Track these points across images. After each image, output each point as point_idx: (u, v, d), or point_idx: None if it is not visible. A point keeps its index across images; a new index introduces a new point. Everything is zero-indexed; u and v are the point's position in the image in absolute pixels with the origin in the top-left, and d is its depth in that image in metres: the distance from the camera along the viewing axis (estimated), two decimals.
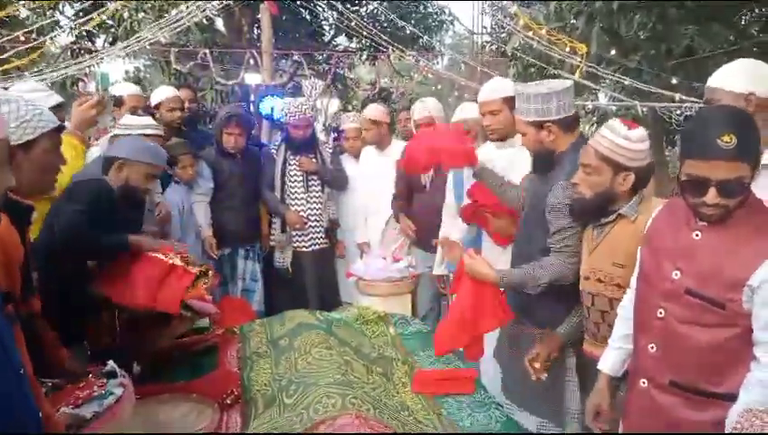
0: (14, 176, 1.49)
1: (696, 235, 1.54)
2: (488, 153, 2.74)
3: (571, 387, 2.16)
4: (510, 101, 2.60)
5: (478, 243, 2.87)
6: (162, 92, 3.64)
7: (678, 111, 5.56)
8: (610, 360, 1.84)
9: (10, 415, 1.04)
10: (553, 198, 2.05)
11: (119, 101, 3.40)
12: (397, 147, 3.83)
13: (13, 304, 1.44)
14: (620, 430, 1.80)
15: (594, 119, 10.97)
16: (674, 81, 6.42)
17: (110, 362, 1.82)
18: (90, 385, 1.66)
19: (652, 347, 1.62)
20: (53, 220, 2.14)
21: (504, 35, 10.45)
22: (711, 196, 1.45)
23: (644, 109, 6.01)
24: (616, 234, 1.90)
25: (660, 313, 1.59)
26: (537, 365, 2.07)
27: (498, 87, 2.67)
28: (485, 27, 11.79)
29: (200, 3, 6.45)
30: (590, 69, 6.34)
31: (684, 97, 5.38)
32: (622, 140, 1.81)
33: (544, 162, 2.20)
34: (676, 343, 1.56)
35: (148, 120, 2.90)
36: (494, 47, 11.41)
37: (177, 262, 2.32)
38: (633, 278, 1.78)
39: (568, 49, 6.39)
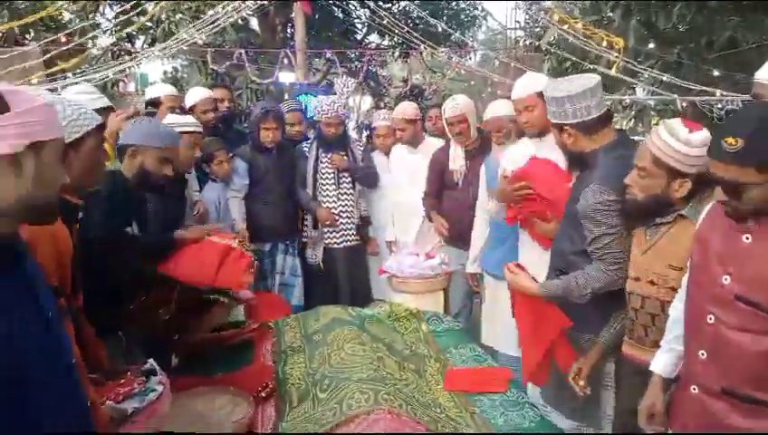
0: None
1: (747, 238, 1.46)
2: (525, 149, 2.71)
3: (610, 392, 2.10)
4: (542, 96, 2.57)
5: (512, 239, 2.84)
6: (196, 94, 3.71)
7: (720, 106, 5.38)
8: (662, 361, 1.76)
9: (63, 403, 1.09)
10: (585, 202, 1.97)
11: (156, 102, 3.48)
12: (428, 144, 3.82)
13: (65, 298, 1.51)
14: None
15: (632, 114, 10.72)
16: (716, 73, 6.21)
17: (150, 361, 1.87)
18: (130, 382, 1.72)
19: (702, 353, 1.55)
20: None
21: (538, 30, 10.30)
22: (719, 193, 1.42)
23: (683, 104, 5.83)
24: (674, 235, 1.79)
25: (710, 318, 1.52)
26: (582, 383, 2.01)
27: (531, 82, 2.63)
28: (519, 22, 11.63)
29: (236, 3, 6.56)
30: (628, 64, 6.18)
31: (724, 92, 5.19)
32: (682, 145, 1.69)
33: (574, 162, 2.16)
34: (726, 350, 1.49)
35: (189, 118, 2.95)
36: (527, 42, 11.26)
37: (235, 244, 2.43)
38: (684, 279, 1.70)
39: (605, 43, 6.24)
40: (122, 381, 1.79)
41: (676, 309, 1.73)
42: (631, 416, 1.82)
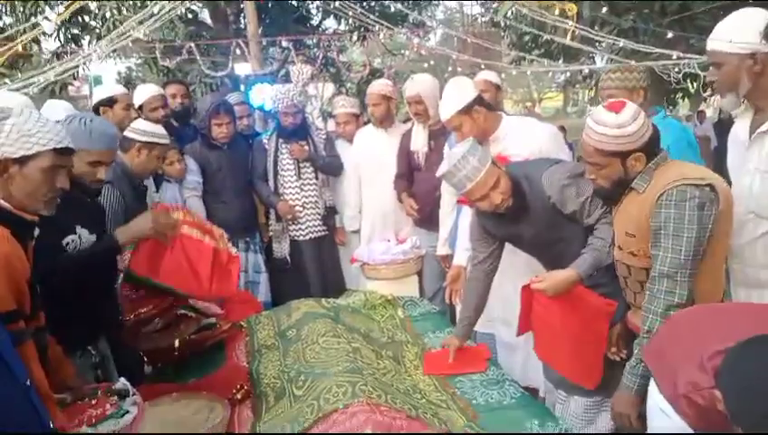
0: (6, 189, 1.48)
1: None
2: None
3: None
4: (467, 111, 2.53)
5: None
6: (144, 92, 3.58)
7: (677, 69, 5.44)
8: None
9: (20, 426, 1.03)
10: (553, 187, 2.06)
11: (111, 101, 3.32)
12: (398, 127, 3.76)
13: (24, 320, 1.41)
14: None
15: (592, 83, 10.82)
16: (670, 35, 6.28)
17: (122, 380, 1.80)
18: (102, 403, 1.65)
19: None
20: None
21: (495, 6, 10.29)
22: None
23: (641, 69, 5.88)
24: (626, 205, 1.89)
25: None
26: (623, 353, 2.02)
27: (448, 104, 2.56)
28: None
29: None
30: (584, 32, 6.20)
31: (682, 54, 5.26)
32: (616, 129, 1.76)
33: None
34: None
35: (159, 129, 2.79)
36: (485, 19, 11.24)
37: (221, 246, 2.43)
38: None
39: (557, 12, 6.24)
40: (94, 402, 1.72)
41: None
42: None
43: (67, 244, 2.05)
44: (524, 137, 2.53)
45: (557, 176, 2.06)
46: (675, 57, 5.40)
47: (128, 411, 1.61)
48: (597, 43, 6.71)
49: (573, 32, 5.95)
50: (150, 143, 2.67)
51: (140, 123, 2.77)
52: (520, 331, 2.28)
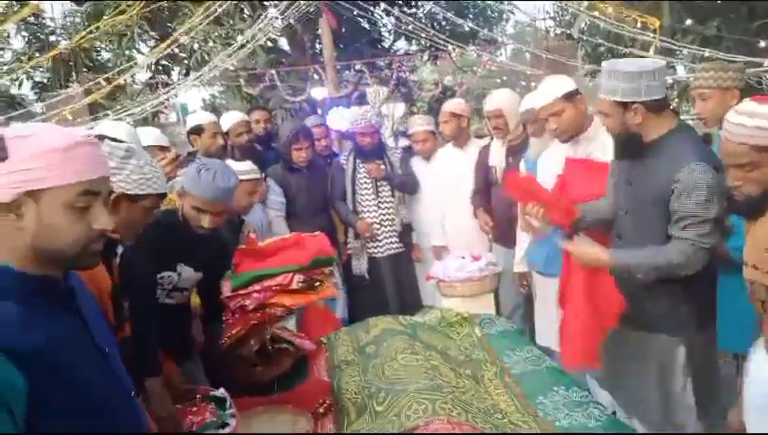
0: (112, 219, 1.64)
1: None
2: (564, 150, 2.64)
3: (684, 384, 2.01)
4: (570, 98, 2.50)
5: (559, 236, 2.76)
6: (229, 119, 3.80)
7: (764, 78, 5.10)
8: None
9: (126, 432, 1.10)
10: (687, 178, 1.85)
11: (198, 130, 3.55)
12: (475, 143, 3.79)
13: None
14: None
15: (674, 94, 10.33)
16: (762, 44, 5.89)
17: (221, 390, 1.90)
18: (202, 411, 1.75)
19: None
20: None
21: (568, 18, 10.09)
22: None
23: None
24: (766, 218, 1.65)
25: None
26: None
27: (555, 86, 2.54)
28: (548, 12, 11.42)
29: (262, 26, 6.68)
30: (665, 44, 5.93)
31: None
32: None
33: (628, 147, 2.03)
34: None
35: (247, 165, 2.91)
36: (558, 32, 11.03)
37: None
38: None
39: (639, 25, 6.00)
40: (194, 408, 1.82)
41: None
42: None
43: (163, 277, 2.18)
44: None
45: (703, 175, 1.84)
46: (766, 64, 5.06)
47: (227, 423, 1.69)
48: (678, 52, 6.41)
49: (654, 44, 5.71)
50: (244, 180, 2.72)
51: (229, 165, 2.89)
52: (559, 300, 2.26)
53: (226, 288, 2.28)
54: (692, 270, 1.89)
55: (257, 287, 2.24)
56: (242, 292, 2.25)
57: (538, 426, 1.97)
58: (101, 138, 2.47)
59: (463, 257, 3.51)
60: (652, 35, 5.65)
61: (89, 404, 0.99)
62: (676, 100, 11.03)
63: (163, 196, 1.81)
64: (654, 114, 1.96)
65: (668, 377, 2.02)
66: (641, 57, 5.58)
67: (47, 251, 0.98)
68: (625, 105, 1.95)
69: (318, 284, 2.35)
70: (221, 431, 1.65)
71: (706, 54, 5.42)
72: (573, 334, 2.12)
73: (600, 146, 2.47)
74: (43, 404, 0.91)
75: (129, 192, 1.67)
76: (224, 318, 2.44)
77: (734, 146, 1.61)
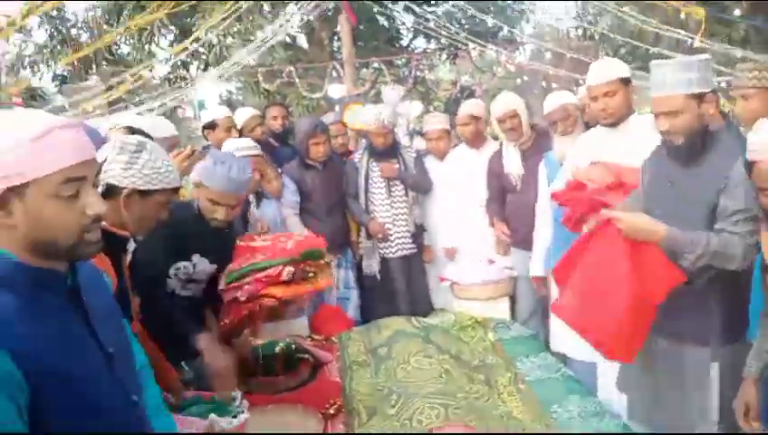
0: (124, 213, 1.62)
1: None
2: (600, 138, 2.58)
3: (715, 397, 1.93)
4: (625, 82, 2.45)
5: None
6: (242, 114, 3.82)
7: None
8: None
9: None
10: (737, 175, 1.78)
11: (212, 125, 3.56)
12: (491, 145, 3.73)
13: None
14: None
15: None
16: None
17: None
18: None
19: None
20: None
21: (590, 18, 9.96)
22: None
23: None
24: None
25: None
26: (756, 424, 1.79)
27: (611, 67, 2.49)
28: (573, 13, 11.30)
29: (282, 22, 6.69)
30: (702, 43, 5.75)
31: None
32: None
33: (697, 144, 1.92)
34: None
35: (246, 141, 2.96)
36: (579, 32, 10.91)
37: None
38: None
39: (683, 16, 5.71)
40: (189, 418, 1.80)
41: None
42: None
43: (178, 268, 2.20)
44: (649, 134, 2.30)
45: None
46: None
47: (243, 412, 1.69)
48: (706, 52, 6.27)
49: (701, 31, 5.46)
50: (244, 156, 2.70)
51: (229, 142, 2.90)
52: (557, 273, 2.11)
53: (221, 283, 2.28)
54: (740, 265, 1.81)
55: (248, 280, 2.25)
56: (234, 284, 2.26)
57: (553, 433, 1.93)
58: (131, 129, 2.48)
59: (479, 260, 3.47)
60: (683, 33, 5.44)
61: (84, 404, 0.97)
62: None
63: (176, 190, 1.78)
64: (717, 105, 1.91)
65: (701, 391, 1.94)
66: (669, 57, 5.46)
67: (42, 243, 0.96)
68: (700, 97, 1.87)
69: (312, 275, 2.35)
70: (234, 420, 1.64)
71: (739, 55, 5.28)
72: (610, 316, 1.91)
73: (637, 136, 2.38)
74: (37, 400, 0.90)
75: (140, 187, 1.64)
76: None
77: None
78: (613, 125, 2.49)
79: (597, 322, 1.94)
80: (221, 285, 2.28)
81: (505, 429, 1.88)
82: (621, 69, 2.48)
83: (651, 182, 2.10)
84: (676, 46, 5.97)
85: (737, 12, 6.48)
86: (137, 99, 7.25)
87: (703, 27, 5.60)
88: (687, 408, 1.98)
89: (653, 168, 2.11)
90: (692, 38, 5.72)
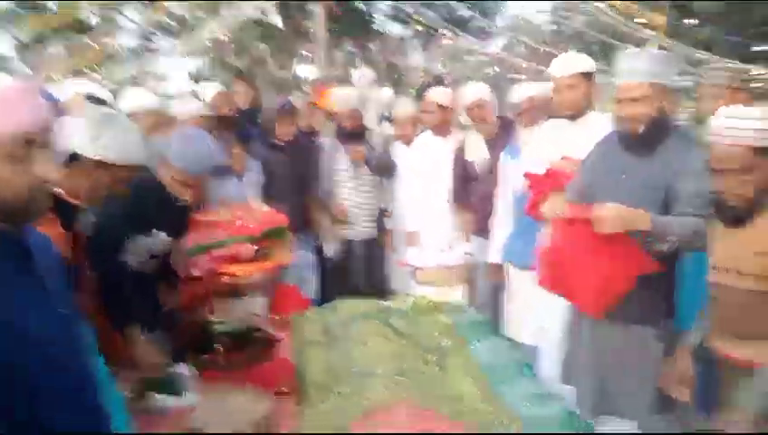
0: (82, 183, 1.59)
1: None
2: (559, 130, 2.63)
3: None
4: (587, 76, 2.50)
5: (536, 228, 2.75)
6: (209, 89, 3.73)
7: (753, 84, 5.12)
8: None
9: (75, 403, 1.08)
10: (696, 161, 1.87)
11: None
12: (456, 134, 3.74)
13: None
14: None
15: None
16: (754, 49, 5.92)
17: (183, 365, 1.88)
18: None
19: None
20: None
21: (562, 13, 10.06)
22: None
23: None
24: (763, 222, 1.65)
25: None
26: (684, 389, 1.89)
27: (576, 61, 2.55)
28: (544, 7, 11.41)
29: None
30: (665, 43, 5.92)
31: (763, 70, 4.94)
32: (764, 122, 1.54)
33: (654, 134, 2.01)
34: None
35: (140, 92, 2.87)
36: (554, 27, 11.01)
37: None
38: None
39: (644, 20, 5.92)
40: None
41: None
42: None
43: (138, 242, 2.14)
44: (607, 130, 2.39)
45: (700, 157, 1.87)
46: (752, 72, 5.11)
47: (190, 390, 1.68)
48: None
49: (647, 40, 5.71)
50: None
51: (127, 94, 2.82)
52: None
53: (178, 258, 2.25)
54: (698, 244, 1.89)
55: (206, 257, 2.22)
56: (191, 261, 2.23)
57: (502, 415, 1.97)
58: (91, 97, 2.41)
59: (439, 246, 3.51)
60: (653, 32, 5.61)
61: (42, 364, 0.98)
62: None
63: (140, 168, 1.74)
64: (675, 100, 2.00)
65: (650, 370, 2.04)
66: None
67: None
68: (663, 88, 1.96)
69: (270, 253, 2.34)
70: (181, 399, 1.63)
71: (699, 57, 5.44)
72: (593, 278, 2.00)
73: (595, 132, 2.41)
74: None
75: (102, 159, 1.61)
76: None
77: (728, 149, 1.59)
78: (572, 118, 2.54)
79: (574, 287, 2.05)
80: (176, 261, 2.26)
81: (453, 407, 1.92)
82: (585, 63, 2.53)
83: (602, 173, 2.15)
84: (644, 45, 6.10)
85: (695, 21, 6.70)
86: (102, 69, 7.05)
87: (663, 31, 5.80)
88: (633, 388, 2.07)
89: (602, 158, 2.17)
90: (653, 38, 5.88)
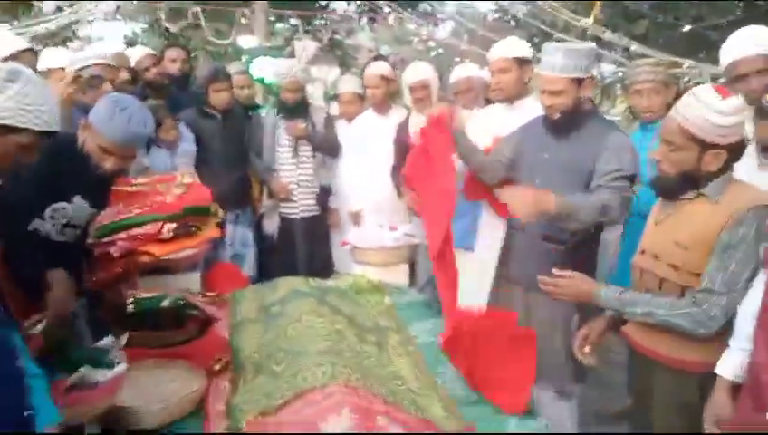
0: None
1: None
2: (496, 115, 2.67)
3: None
4: (521, 62, 2.57)
5: (477, 213, 2.78)
6: (136, 53, 3.62)
7: (686, 78, 5.38)
8: (732, 363, 1.57)
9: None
10: (613, 142, 2.11)
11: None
12: (398, 111, 3.71)
13: None
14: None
15: (597, 91, 10.78)
16: (681, 49, 6.25)
17: (109, 338, 1.79)
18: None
19: None
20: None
21: (505, 4, 10.21)
22: None
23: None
24: (690, 212, 1.69)
25: None
26: (587, 349, 1.96)
27: (510, 46, 2.62)
28: None
29: None
30: (597, 34, 6.14)
31: (693, 63, 5.21)
32: (715, 115, 1.56)
33: (570, 121, 2.19)
34: None
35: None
36: (498, 15, 11.15)
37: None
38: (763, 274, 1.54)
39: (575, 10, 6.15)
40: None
41: (755, 305, 1.54)
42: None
43: (56, 210, 2.02)
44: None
45: (627, 140, 2.17)
46: (686, 66, 5.37)
47: (120, 363, 1.58)
48: (607, 46, 6.68)
49: (585, 30, 5.91)
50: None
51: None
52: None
53: (90, 234, 2.12)
54: (619, 217, 2.11)
55: (123, 235, 2.10)
56: (105, 240, 2.10)
57: (436, 393, 1.98)
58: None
59: (380, 226, 3.48)
60: (583, 20, 5.83)
61: None
62: (600, 96, 11.55)
63: (49, 135, 1.58)
64: (591, 90, 2.18)
65: (563, 339, 2.22)
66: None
67: None
68: (580, 81, 2.12)
69: (196, 229, 2.24)
70: (108, 373, 1.54)
71: (633, 49, 5.68)
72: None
73: (529, 117, 2.51)
74: None
75: (2, 121, 1.45)
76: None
77: (671, 121, 1.67)
78: (505, 102, 2.61)
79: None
80: (89, 238, 2.12)
81: (390, 386, 1.90)
82: (520, 49, 2.61)
83: (527, 150, 2.32)
84: (583, 36, 6.28)
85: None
86: (17, 23, 6.50)
87: (596, 20, 6.05)
88: (551, 361, 2.19)
89: (529, 137, 2.33)
90: (589, 28, 6.10)
